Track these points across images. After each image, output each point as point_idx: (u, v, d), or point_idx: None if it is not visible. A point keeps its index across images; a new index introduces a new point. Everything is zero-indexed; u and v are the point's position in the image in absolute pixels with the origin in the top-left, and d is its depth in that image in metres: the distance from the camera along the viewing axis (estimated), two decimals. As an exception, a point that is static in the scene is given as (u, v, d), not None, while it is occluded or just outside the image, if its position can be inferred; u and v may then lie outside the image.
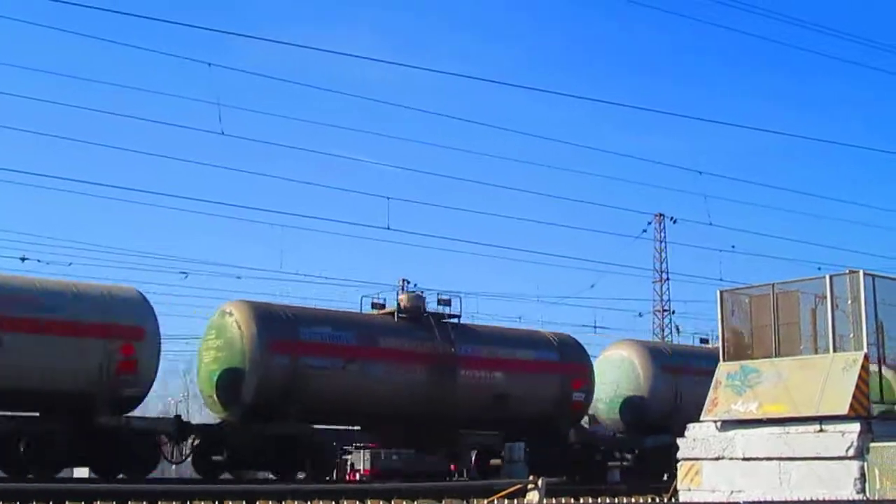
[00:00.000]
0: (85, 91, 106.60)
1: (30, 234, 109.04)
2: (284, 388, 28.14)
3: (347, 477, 33.45)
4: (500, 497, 18.23)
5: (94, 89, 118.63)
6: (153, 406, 54.39)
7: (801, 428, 19.73)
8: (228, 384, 28.45)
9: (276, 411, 28.13)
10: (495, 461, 33.87)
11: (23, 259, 33.83)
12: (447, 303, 32.53)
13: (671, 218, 66.09)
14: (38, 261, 32.25)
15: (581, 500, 20.14)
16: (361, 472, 33.80)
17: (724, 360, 21.93)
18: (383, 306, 32.26)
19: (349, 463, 33.64)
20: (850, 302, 20.33)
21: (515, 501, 18.89)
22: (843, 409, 19.19)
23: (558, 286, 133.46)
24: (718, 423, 21.09)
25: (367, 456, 31.13)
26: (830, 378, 19.74)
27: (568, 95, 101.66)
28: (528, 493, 18.96)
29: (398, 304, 32.13)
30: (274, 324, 28.96)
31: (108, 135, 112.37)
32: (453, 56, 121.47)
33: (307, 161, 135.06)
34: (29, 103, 69.84)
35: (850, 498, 17.32)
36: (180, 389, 69.35)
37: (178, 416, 30.15)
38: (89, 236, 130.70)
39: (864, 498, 17.45)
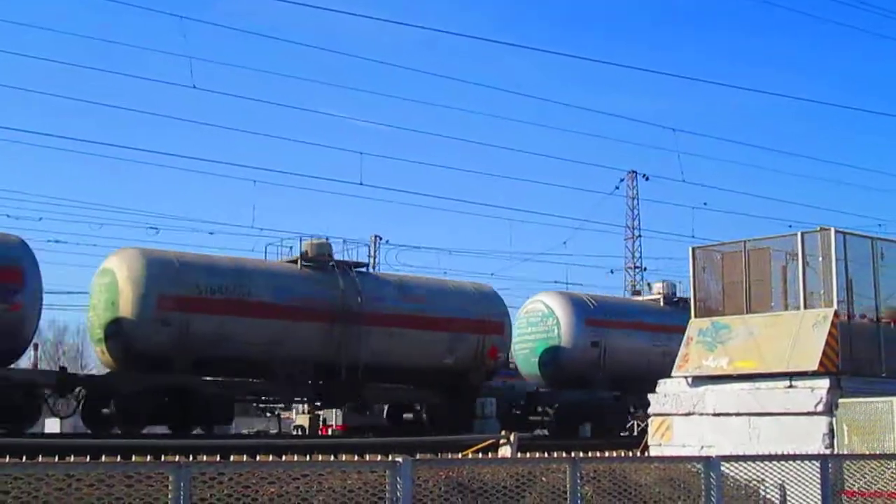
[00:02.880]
0: (56, 43, 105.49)
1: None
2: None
3: (319, 431, 33.61)
4: (473, 451, 18.34)
5: (66, 41, 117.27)
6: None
7: (772, 384, 19.91)
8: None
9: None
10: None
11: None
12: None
13: (644, 175, 66.32)
14: (8, 216, 32.00)
15: (555, 455, 20.24)
16: (334, 427, 34.02)
17: (695, 317, 22.07)
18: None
19: (321, 418, 33.73)
20: (820, 259, 20.49)
21: (490, 455, 19.01)
22: (813, 366, 19.39)
23: (531, 243, 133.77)
24: (689, 379, 21.25)
25: (340, 413, 31.01)
26: (801, 334, 19.92)
27: (544, 51, 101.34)
28: (500, 448, 19.10)
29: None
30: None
31: (79, 88, 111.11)
32: (428, 12, 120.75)
33: (280, 116, 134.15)
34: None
35: (819, 452, 17.52)
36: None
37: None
38: (60, 192, 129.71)
39: (833, 452, 17.66)
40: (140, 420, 26.64)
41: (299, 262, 30.29)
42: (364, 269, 31.68)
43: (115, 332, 27.37)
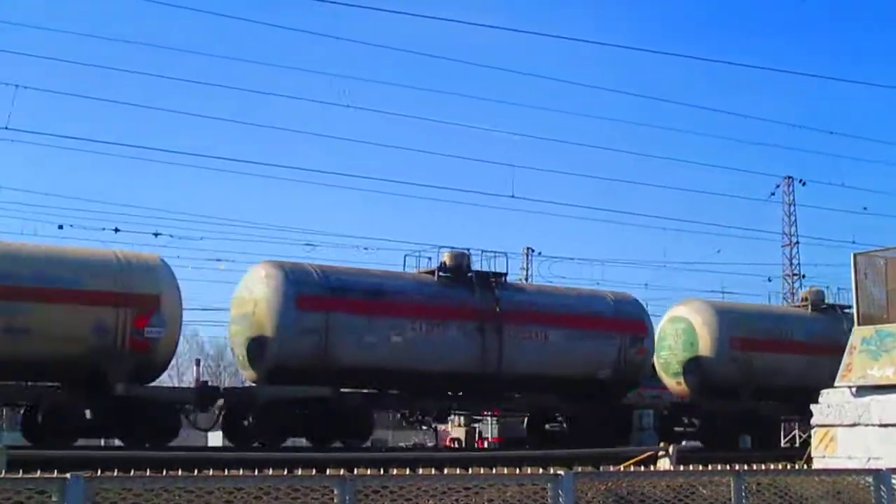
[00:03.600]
0: (176, 61, 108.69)
1: (162, 210, 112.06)
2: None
3: (476, 444, 33.75)
4: (632, 464, 18.14)
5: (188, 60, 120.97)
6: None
7: (940, 393, 19.18)
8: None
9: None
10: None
11: (156, 234, 34.72)
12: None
13: (800, 180, 64.59)
14: (171, 236, 33.05)
15: (710, 467, 19.89)
16: (490, 439, 34.08)
17: (858, 325, 21.41)
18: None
19: (477, 431, 33.82)
20: None
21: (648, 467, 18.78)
22: (984, 374, 18.62)
23: (686, 252, 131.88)
24: (853, 389, 20.60)
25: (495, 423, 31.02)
26: (971, 341, 19.15)
27: (692, 58, 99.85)
28: (659, 460, 18.86)
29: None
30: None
31: (229, 108, 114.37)
32: (573, 22, 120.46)
33: (429, 131, 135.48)
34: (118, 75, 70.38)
35: None
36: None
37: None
38: (219, 211, 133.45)
39: None
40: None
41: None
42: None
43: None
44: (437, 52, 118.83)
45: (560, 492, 9.11)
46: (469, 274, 30.19)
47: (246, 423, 26.65)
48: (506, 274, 31.33)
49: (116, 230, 30.37)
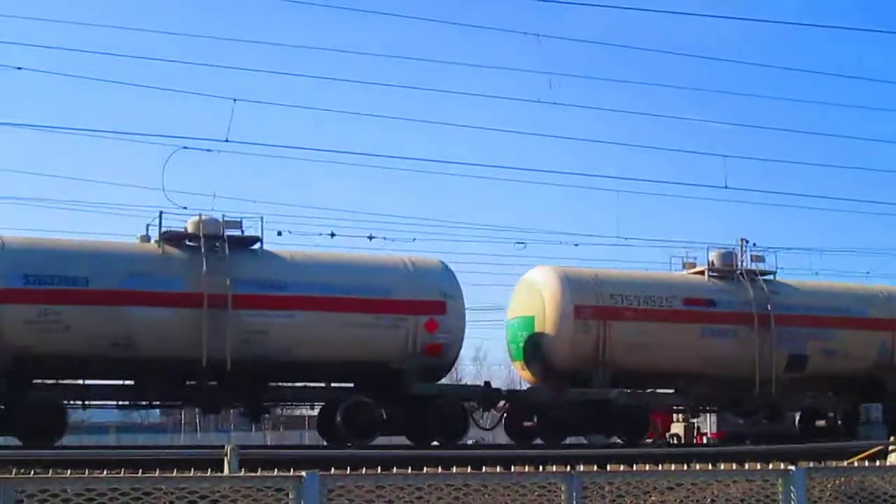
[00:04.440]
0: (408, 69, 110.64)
1: (376, 213, 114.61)
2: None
3: (695, 440, 33.19)
4: (860, 459, 17.47)
5: (418, 67, 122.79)
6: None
7: None
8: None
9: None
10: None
11: (370, 238, 35.54)
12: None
13: None
14: (384, 238, 33.76)
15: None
16: (709, 434, 33.46)
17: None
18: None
19: (696, 426, 33.23)
20: None
21: (878, 463, 18.04)
22: None
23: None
24: None
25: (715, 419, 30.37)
26: None
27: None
28: (889, 455, 18.09)
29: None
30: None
31: (436, 112, 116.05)
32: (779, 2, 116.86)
33: (640, 124, 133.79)
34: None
35: None
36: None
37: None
38: (430, 212, 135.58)
39: None
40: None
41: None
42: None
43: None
44: (646, 44, 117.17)
45: (792, 488, 8.85)
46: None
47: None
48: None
49: (332, 234, 31.07)
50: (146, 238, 24.13)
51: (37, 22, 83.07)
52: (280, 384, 25.40)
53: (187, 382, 23.96)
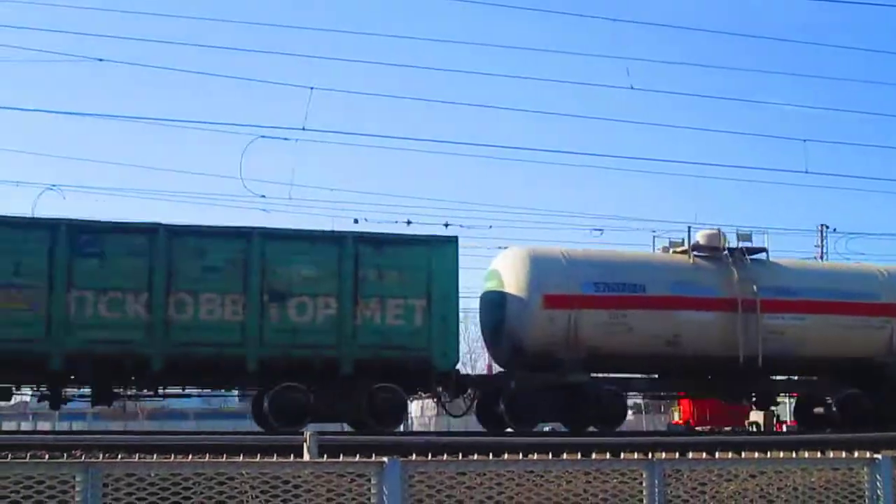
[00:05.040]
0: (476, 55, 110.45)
1: (452, 200, 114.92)
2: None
3: (775, 427, 32.79)
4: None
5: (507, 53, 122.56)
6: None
7: None
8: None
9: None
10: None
11: (446, 225, 35.57)
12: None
13: None
14: (461, 226, 33.89)
15: None
16: (788, 423, 33.00)
17: None
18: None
19: (775, 414, 32.76)
20: None
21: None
22: None
23: None
24: None
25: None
26: None
27: None
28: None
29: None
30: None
31: (513, 99, 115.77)
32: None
33: (720, 108, 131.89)
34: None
35: None
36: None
37: None
38: (507, 199, 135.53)
39: None
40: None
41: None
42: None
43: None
44: (721, 27, 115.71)
45: (878, 476, 8.71)
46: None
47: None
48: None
49: (409, 222, 31.24)
50: (666, 249, 27.93)
51: (119, 14, 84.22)
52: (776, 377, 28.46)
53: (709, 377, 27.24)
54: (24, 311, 20.89)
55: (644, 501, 8.45)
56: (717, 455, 10.30)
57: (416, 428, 49.76)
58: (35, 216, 23.17)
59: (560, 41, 73.52)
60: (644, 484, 8.38)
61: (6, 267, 20.92)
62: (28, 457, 12.43)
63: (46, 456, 13.16)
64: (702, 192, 75.99)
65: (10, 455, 12.68)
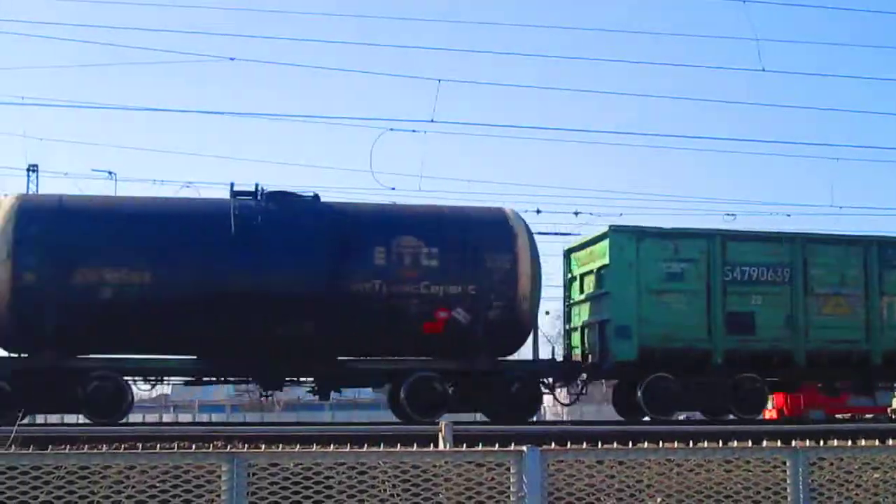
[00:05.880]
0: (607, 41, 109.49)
1: (584, 188, 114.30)
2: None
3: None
4: None
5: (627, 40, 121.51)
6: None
7: None
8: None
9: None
10: None
11: (576, 213, 35.56)
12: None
13: None
14: (591, 213, 33.80)
15: None
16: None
17: None
18: None
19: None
20: None
21: None
22: None
23: None
24: None
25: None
26: None
27: None
28: None
29: None
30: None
31: (637, 82, 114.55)
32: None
33: (852, 89, 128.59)
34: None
35: None
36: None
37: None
38: (634, 185, 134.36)
39: None
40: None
41: None
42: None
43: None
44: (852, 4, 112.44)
45: None
46: None
47: None
48: None
49: (538, 211, 31.19)
50: None
51: (249, 13, 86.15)
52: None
53: None
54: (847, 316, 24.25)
55: (788, 490, 8.31)
56: (862, 443, 10.08)
57: (548, 418, 49.68)
58: (854, 235, 25.38)
59: (693, 23, 72.22)
60: (788, 472, 8.23)
61: (833, 279, 24.28)
62: (175, 447, 12.79)
63: (192, 447, 13.50)
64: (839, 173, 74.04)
65: (158, 445, 13.07)
